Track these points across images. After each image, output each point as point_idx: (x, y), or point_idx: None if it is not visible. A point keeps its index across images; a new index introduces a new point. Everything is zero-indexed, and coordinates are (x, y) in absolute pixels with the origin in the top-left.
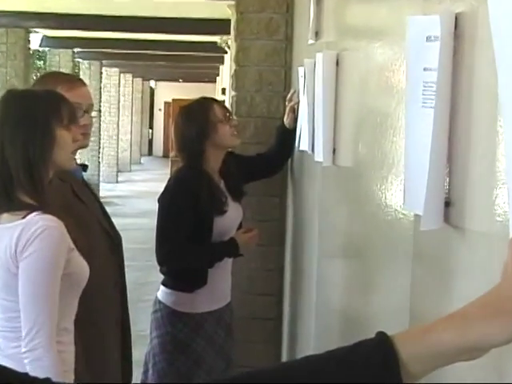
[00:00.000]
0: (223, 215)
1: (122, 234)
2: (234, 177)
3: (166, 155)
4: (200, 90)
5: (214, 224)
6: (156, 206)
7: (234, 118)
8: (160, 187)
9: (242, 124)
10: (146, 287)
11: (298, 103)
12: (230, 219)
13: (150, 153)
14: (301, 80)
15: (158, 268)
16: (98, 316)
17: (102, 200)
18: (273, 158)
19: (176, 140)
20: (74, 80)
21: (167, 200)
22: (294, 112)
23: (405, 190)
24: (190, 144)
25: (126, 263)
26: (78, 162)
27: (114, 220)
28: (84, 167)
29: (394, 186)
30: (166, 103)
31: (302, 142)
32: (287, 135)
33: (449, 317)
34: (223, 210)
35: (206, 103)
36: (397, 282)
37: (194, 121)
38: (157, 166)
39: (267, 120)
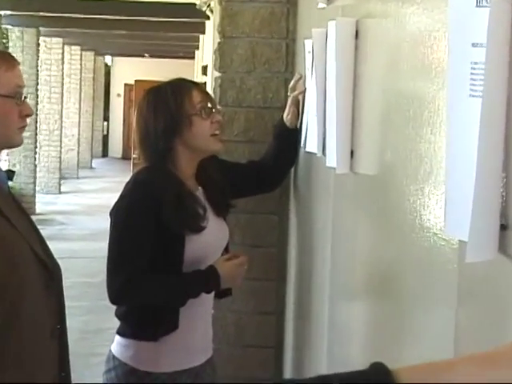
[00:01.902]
0: (199, 233)
1: (64, 264)
2: (217, 183)
3: (126, 156)
4: (173, 69)
5: (185, 245)
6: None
7: (219, 109)
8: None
9: (229, 116)
10: (100, 336)
11: (304, 92)
12: (211, 240)
13: (104, 153)
14: (308, 57)
15: (116, 309)
16: (28, 376)
17: (37, 217)
18: (269, 167)
19: (137, 133)
20: (9, 57)
21: (122, 212)
22: (298, 106)
23: (446, 207)
24: (154, 139)
25: (68, 304)
26: (3, 167)
27: (54, 245)
28: (9, 174)
29: (433, 202)
30: (126, 86)
31: (310, 142)
32: (288, 136)
33: (472, 357)
34: (199, 226)
35: (182, 87)
36: (436, 327)
37: (163, 109)
38: (114, 171)
39: (262, 111)
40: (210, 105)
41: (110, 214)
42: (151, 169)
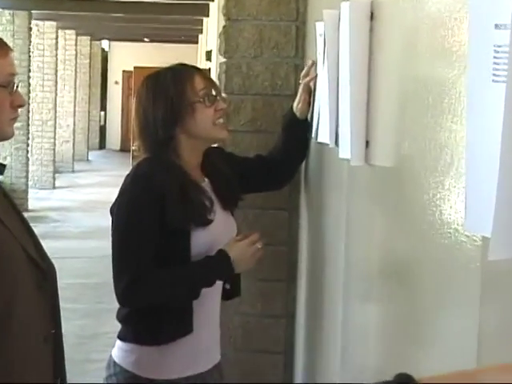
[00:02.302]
0: (206, 227)
1: (58, 264)
2: (224, 174)
3: (125, 148)
4: (175, 55)
5: (191, 240)
6: (109, 221)
7: (224, 97)
8: (115, 195)
9: (235, 104)
10: (97, 341)
11: (315, 78)
12: (218, 234)
13: (101, 145)
14: (319, 41)
15: (117, 311)
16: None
17: (29, 214)
18: (278, 163)
19: (136, 122)
20: (1, 43)
21: (123, 209)
22: (310, 94)
23: (466, 202)
24: (153, 128)
25: (64, 306)
26: None
27: (48, 243)
28: (0, 168)
29: (454, 196)
30: (125, 73)
31: (321, 132)
32: (299, 128)
33: (502, 366)
34: (206, 219)
35: (183, 72)
36: (458, 329)
37: (163, 96)
38: (112, 164)
39: (271, 99)
40: (213, 92)
41: (111, 212)
42: (152, 160)
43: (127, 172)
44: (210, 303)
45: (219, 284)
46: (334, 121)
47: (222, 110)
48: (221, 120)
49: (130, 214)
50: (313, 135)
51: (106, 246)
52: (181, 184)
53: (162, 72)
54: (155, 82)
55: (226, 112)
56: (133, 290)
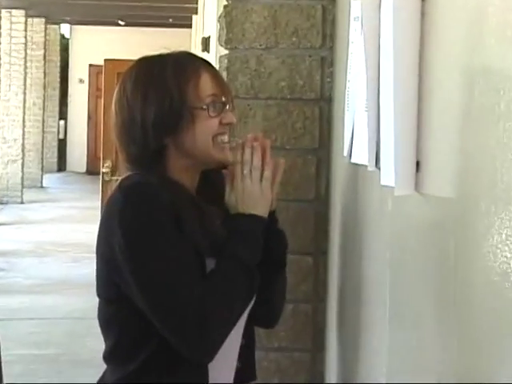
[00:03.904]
0: None
1: (2, 329)
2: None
3: (93, 170)
4: (160, 43)
5: (206, 269)
6: (76, 269)
7: (234, 107)
8: (84, 233)
9: (241, 112)
10: None
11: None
12: None
13: (61, 166)
14: (354, 27)
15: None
16: None
17: None
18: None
19: (117, 124)
20: None
21: (138, 239)
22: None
23: None
24: (141, 134)
25: None
26: None
27: None
28: None
29: None
30: (92, 68)
31: (357, 150)
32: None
33: None
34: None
35: (189, 65)
36: None
37: (160, 92)
38: (75, 191)
39: (288, 104)
40: (222, 98)
41: (105, 252)
42: (144, 175)
43: (97, 201)
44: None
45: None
46: (374, 134)
47: (229, 125)
48: (225, 138)
49: (153, 240)
50: (345, 153)
51: (68, 302)
52: (193, 206)
53: (160, 60)
54: (149, 71)
55: (231, 129)
56: (205, 325)
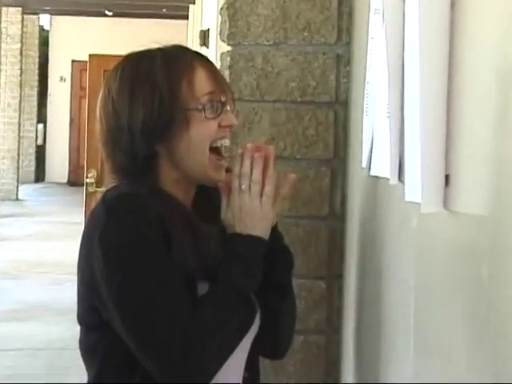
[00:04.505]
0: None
1: None
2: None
3: (76, 181)
4: (151, 36)
5: (198, 292)
6: (55, 293)
7: (235, 107)
8: (66, 252)
9: (245, 116)
10: None
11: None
12: None
13: (39, 176)
14: (374, 19)
15: None
16: None
17: None
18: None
19: (103, 129)
20: None
21: (123, 258)
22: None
23: None
24: (128, 140)
25: None
26: None
27: None
28: None
29: None
30: (75, 64)
31: (377, 161)
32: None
33: None
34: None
35: (182, 60)
36: None
37: (148, 91)
38: (56, 204)
39: (299, 108)
40: (222, 98)
41: (85, 273)
42: (131, 185)
43: (80, 215)
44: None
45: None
46: (396, 144)
47: (230, 128)
48: (226, 142)
49: (136, 260)
50: (364, 164)
51: (49, 331)
52: (186, 223)
53: (148, 55)
54: (136, 69)
55: (232, 135)
56: (191, 359)
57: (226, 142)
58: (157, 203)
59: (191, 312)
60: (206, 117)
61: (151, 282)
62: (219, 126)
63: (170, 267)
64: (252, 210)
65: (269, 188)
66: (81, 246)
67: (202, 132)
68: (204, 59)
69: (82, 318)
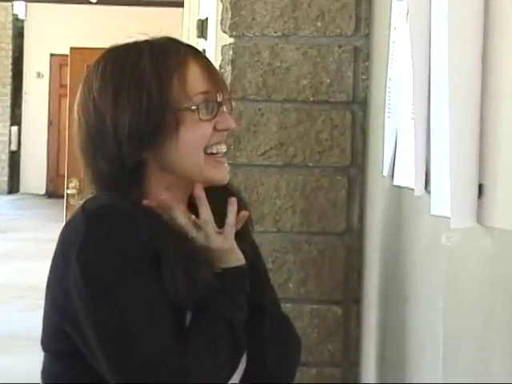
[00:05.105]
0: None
1: None
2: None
3: (55, 192)
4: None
5: (186, 322)
6: (32, 321)
7: (233, 108)
8: (44, 274)
9: (249, 118)
10: None
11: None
12: None
13: (12, 187)
14: (396, 8)
15: None
16: None
17: None
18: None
19: (81, 135)
20: None
21: (94, 273)
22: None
23: None
24: (113, 146)
25: None
26: None
27: None
28: None
29: None
30: (54, 58)
31: (400, 170)
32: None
33: None
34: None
35: (172, 55)
36: None
37: (134, 91)
38: (31, 218)
39: (311, 109)
40: (218, 97)
41: (57, 294)
42: (113, 196)
43: (57, 231)
44: None
45: None
46: (423, 149)
47: (227, 131)
48: (221, 148)
49: (120, 282)
50: (385, 173)
51: (24, 363)
52: (178, 243)
53: (135, 48)
54: (120, 64)
55: (229, 137)
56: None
57: (223, 148)
58: (145, 219)
59: (181, 345)
60: (199, 118)
61: (137, 309)
62: (214, 129)
63: (158, 295)
64: (217, 247)
65: (230, 217)
66: (53, 261)
67: (195, 135)
68: (198, 53)
69: (47, 345)
